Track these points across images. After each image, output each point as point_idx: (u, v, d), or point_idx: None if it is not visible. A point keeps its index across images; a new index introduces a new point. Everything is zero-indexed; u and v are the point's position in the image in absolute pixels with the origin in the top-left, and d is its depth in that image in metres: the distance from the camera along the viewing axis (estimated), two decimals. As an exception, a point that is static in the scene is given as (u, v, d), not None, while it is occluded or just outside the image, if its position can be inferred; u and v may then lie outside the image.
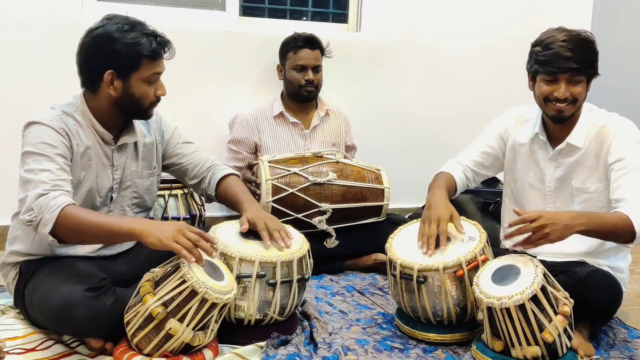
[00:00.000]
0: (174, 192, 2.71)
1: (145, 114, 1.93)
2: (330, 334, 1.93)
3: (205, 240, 1.70)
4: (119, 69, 1.81)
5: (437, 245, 1.95)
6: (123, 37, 1.79)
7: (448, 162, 2.30)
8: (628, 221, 1.82)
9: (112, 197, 1.96)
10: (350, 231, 2.65)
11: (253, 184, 2.63)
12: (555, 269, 1.92)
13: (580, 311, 1.82)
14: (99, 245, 1.94)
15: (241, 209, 2.02)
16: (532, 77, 2.07)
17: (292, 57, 2.94)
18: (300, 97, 2.95)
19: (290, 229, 2.06)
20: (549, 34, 2.00)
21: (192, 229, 1.70)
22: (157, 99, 1.91)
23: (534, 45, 2.05)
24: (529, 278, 1.71)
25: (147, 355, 1.66)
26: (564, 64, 1.95)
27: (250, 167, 2.80)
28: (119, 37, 1.79)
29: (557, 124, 2.07)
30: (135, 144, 2.00)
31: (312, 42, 2.95)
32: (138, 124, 2.00)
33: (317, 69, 2.96)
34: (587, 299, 1.85)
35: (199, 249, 1.66)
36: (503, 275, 1.77)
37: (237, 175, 2.19)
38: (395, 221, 2.65)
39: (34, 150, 1.75)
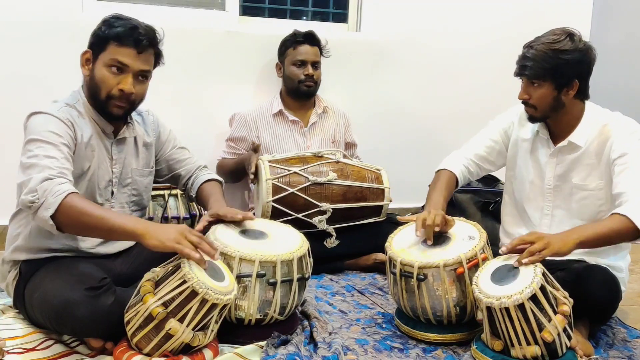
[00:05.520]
0: (173, 192, 2.71)
1: (105, 107, 1.84)
2: (330, 334, 1.93)
3: (206, 244, 1.70)
4: (93, 48, 1.85)
5: (436, 245, 1.96)
6: (108, 22, 1.84)
7: (452, 153, 2.31)
8: (627, 221, 1.82)
9: (112, 192, 1.97)
10: (350, 231, 2.65)
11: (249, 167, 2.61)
12: (553, 266, 1.92)
13: (579, 308, 1.81)
14: (99, 241, 1.94)
15: (208, 208, 2.07)
16: None
17: (292, 52, 2.95)
18: (300, 92, 2.95)
19: (290, 228, 2.07)
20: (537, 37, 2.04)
21: (194, 232, 1.70)
22: (122, 95, 1.82)
23: None
24: (528, 277, 1.71)
25: (147, 355, 1.66)
26: (518, 69, 2.04)
27: (255, 150, 2.67)
28: (105, 20, 1.85)
29: (532, 122, 2.13)
30: (135, 140, 2.01)
31: (311, 39, 2.96)
32: (137, 123, 2.02)
33: (316, 64, 2.96)
34: (586, 295, 1.86)
35: (201, 251, 1.67)
36: (502, 275, 1.77)
37: (219, 182, 2.21)
38: (395, 221, 2.64)
39: (40, 137, 1.74)
